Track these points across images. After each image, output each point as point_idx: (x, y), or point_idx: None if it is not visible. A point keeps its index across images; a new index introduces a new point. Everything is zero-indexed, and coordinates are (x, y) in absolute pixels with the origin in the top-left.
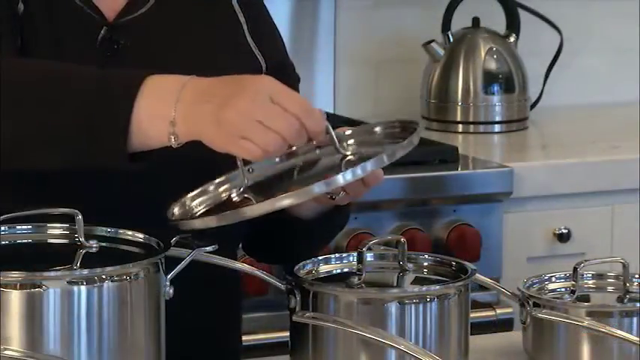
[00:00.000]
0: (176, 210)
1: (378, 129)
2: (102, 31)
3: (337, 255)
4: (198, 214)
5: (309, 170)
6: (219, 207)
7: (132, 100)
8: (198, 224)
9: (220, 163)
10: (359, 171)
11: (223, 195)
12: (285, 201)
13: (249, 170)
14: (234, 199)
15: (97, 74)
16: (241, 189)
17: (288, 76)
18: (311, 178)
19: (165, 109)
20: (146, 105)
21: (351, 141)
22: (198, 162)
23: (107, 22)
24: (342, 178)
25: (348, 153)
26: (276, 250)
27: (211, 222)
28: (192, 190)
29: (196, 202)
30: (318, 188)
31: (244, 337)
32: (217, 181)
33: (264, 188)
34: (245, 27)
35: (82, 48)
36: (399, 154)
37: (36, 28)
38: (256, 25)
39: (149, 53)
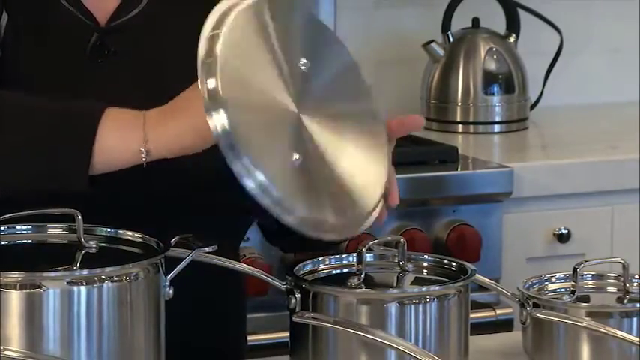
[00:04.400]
0: None
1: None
2: (92, 38)
3: (337, 255)
4: None
5: None
6: None
7: (94, 130)
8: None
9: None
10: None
11: None
12: None
13: None
14: None
15: (60, 108)
16: None
17: None
18: None
19: (133, 132)
20: (110, 132)
21: None
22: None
23: (99, 26)
24: None
25: None
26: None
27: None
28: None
29: None
30: None
31: None
32: None
33: None
34: None
35: (71, 55)
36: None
37: (20, 37)
38: None
39: (141, 57)
